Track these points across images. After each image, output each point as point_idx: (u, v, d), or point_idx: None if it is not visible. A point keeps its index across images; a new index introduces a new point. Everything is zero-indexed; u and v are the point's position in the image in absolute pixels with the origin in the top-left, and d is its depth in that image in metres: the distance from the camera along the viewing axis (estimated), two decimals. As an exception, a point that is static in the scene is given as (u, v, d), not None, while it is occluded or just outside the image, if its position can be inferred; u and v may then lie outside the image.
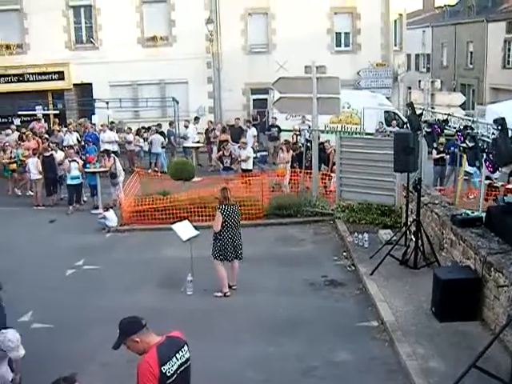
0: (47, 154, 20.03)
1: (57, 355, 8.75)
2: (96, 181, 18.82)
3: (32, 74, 31.21)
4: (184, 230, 11.90)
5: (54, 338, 9.84)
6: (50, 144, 21.36)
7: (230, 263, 11.42)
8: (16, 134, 24.31)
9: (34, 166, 19.66)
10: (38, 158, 19.86)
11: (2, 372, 6.81)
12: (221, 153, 20.45)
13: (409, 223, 12.58)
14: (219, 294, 11.30)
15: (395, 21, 33.61)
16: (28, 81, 31.18)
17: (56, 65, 30.83)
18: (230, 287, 11.45)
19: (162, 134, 25.04)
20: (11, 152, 21.47)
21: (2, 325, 7.52)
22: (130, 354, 4.75)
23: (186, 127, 25.76)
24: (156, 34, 30.94)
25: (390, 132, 23.00)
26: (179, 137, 26.62)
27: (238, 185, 17.65)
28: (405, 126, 19.79)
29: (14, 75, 31.23)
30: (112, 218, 16.47)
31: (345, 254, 13.54)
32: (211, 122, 27.89)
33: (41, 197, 20.14)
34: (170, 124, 26.56)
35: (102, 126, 24.97)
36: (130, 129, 25.50)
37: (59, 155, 19.98)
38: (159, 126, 25.85)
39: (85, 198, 19.78)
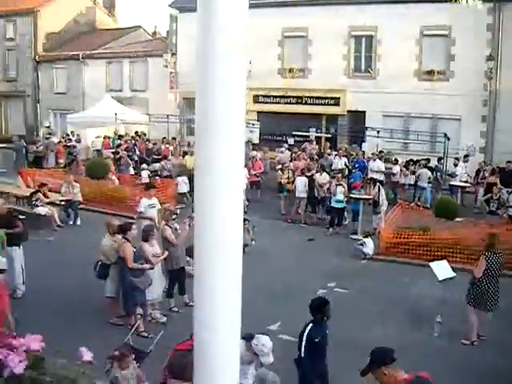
0: (309, 174, 20.95)
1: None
2: (359, 207, 19.20)
3: (310, 97, 32.60)
4: (441, 269, 11.66)
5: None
6: (317, 165, 22.29)
7: (483, 312, 10.96)
8: (288, 153, 25.67)
9: (302, 184, 20.66)
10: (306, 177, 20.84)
11: (250, 373, 7.18)
12: (489, 195, 19.70)
13: None
14: (466, 342, 10.91)
15: None
16: (305, 104, 32.62)
17: (333, 91, 31.80)
18: (478, 337, 10.98)
19: (430, 168, 24.67)
20: (288, 172, 22.60)
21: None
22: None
23: (456, 165, 25.09)
24: (433, 68, 30.45)
25: None
26: (446, 174, 26.02)
27: (501, 231, 16.80)
28: None
29: (294, 97, 32.89)
30: (370, 246, 16.63)
31: None
32: (484, 162, 26.85)
33: (303, 215, 21.02)
34: (439, 160, 26.05)
35: (372, 154, 25.28)
36: (396, 160, 25.49)
37: (323, 177, 20.66)
38: (428, 160, 25.48)
39: (345, 222, 20.20)
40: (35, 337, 2.08)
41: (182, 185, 22.57)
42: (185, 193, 22.47)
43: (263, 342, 7.12)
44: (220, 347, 2.15)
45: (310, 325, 7.86)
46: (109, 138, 32.15)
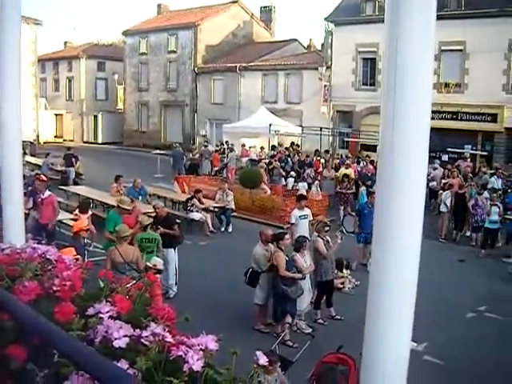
0: (461, 191, 20.63)
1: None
2: (514, 229, 18.36)
3: (465, 113, 31.69)
4: None
5: (442, 375, 9.95)
6: (472, 184, 21.60)
7: None
8: (441, 170, 25.01)
9: (444, 199, 20.44)
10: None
11: None
12: None
13: None
14: None
15: None
16: (461, 120, 31.76)
17: (490, 107, 30.68)
18: None
19: None
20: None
21: None
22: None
23: None
24: None
25: None
26: None
27: None
28: None
29: (448, 113, 32.06)
30: (530, 271, 15.89)
31: None
32: None
33: (445, 230, 20.67)
34: None
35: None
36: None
37: (483, 197, 19.93)
38: None
39: (499, 244, 19.37)
40: (212, 337, 2.20)
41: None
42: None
43: None
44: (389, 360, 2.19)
45: None
46: (262, 148, 32.94)
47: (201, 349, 2.15)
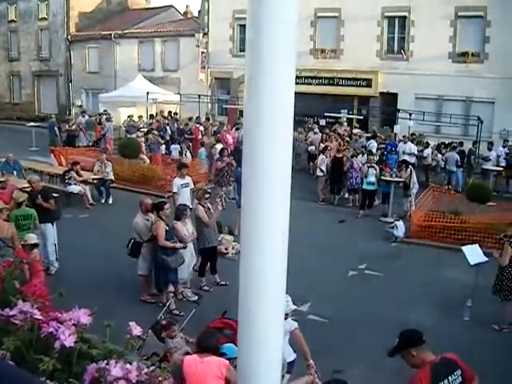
0: (339, 155, 21.02)
1: (326, 350, 9.08)
2: (390, 189, 19.09)
3: (341, 78, 32.37)
4: (473, 253, 11.55)
5: (327, 332, 10.29)
6: (349, 148, 22.23)
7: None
8: (319, 135, 25.55)
9: (322, 165, 20.92)
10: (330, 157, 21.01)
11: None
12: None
13: None
14: (496, 327, 10.85)
15: None
16: (337, 85, 32.39)
17: (365, 72, 31.51)
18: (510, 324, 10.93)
19: (462, 152, 24.28)
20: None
21: None
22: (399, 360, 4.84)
23: (490, 149, 24.68)
24: (468, 50, 29.89)
25: None
26: (480, 158, 25.60)
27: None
28: None
29: (325, 78, 32.69)
30: (401, 229, 16.55)
31: None
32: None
33: (321, 193, 21.29)
34: (474, 143, 25.61)
35: (403, 137, 25.07)
36: (427, 143, 25.22)
37: (358, 160, 20.53)
38: (461, 144, 25.12)
39: (376, 204, 20.08)
40: (84, 311, 2.14)
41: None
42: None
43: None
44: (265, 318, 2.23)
45: None
46: (140, 117, 32.34)
47: (73, 324, 2.09)
